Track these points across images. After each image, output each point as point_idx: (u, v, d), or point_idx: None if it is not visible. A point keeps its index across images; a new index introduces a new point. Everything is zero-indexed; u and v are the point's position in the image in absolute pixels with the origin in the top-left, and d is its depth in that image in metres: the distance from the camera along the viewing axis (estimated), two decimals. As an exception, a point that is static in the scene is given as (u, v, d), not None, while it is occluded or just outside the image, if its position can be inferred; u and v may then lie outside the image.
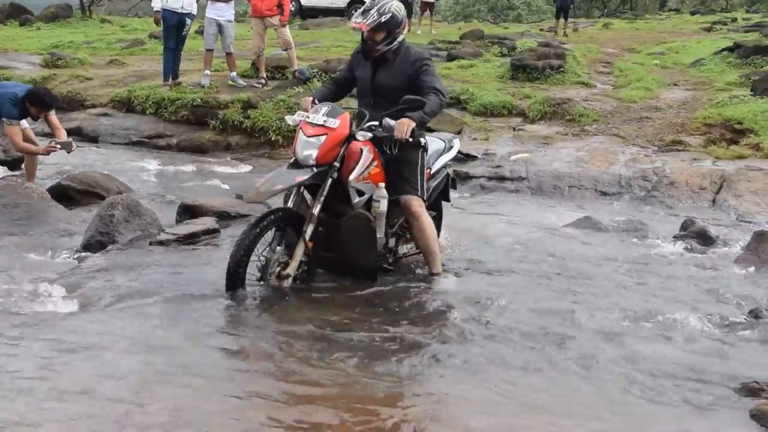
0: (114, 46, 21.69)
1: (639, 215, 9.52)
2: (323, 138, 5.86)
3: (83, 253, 7.03)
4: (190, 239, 7.26)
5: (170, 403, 4.22)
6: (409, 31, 27.99)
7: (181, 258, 6.78)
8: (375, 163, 6.15)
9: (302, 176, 5.81)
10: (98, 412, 4.06)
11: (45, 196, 8.81)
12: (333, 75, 7.09)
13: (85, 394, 4.28)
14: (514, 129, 13.49)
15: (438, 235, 6.90)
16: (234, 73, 15.27)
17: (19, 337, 5.09)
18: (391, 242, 6.66)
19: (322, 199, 5.90)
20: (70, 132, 14.15)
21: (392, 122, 5.96)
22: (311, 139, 5.87)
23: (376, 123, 6.05)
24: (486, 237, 8.16)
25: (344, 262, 6.31)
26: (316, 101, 6.31)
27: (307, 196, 6.06)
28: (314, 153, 5.84)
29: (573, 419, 4.41)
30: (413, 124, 5.92)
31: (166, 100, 14.45)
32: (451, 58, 18.64)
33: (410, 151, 6.29)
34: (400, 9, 6.29)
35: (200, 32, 21.95)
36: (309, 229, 5.90)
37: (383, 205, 6.16)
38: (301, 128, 5.98)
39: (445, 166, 7.12)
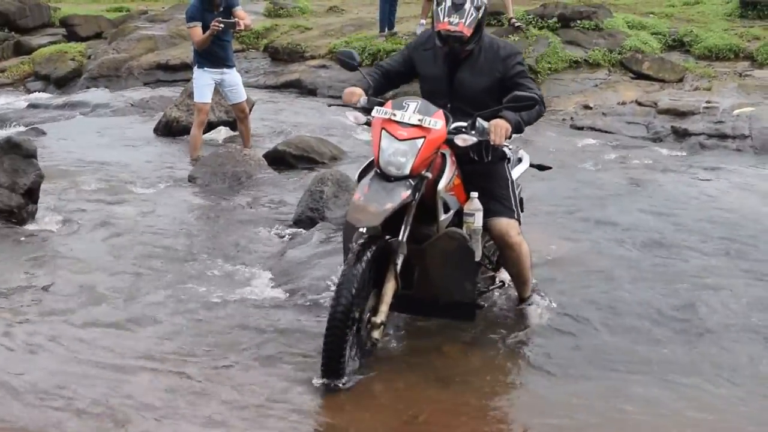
0: (334, -8, 22.11)
1: None
2: (420, 142, 4.64)
3: (295, 229, 7.29)
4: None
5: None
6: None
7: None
8: (456, 173, 5.04)
9: (406, 192, 4.60)
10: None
11: (262, 163, 9.26)
12: (379, 63, 5.76)
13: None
14: (740, 75, 12.83)
15: None
16: (450, 22, 15.19)
17: (222, 317, 5.44)
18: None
19: (410, 219, 4.72)
20: (290, 84, 14.81)
21: (485, 124, 4.86)
22: (403, 144, 4.64)
23: (464, 125, 4.91)
24: (709, 210, 7.68)
25: (432, 299, 5.10)
26: (367, 95, 5.08)
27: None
28: (410, 161, 4.63)
29: None
30: (510, 127, 4.84)
31: (382, 51, 14.58)
32: (675, -7, 17.82)
33: (495, 164, 5.24)
34: None
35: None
36: (400, 261, 4.72)
37: (479, 220, 4.98)
38: (383, 128, 4.72)
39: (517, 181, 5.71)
